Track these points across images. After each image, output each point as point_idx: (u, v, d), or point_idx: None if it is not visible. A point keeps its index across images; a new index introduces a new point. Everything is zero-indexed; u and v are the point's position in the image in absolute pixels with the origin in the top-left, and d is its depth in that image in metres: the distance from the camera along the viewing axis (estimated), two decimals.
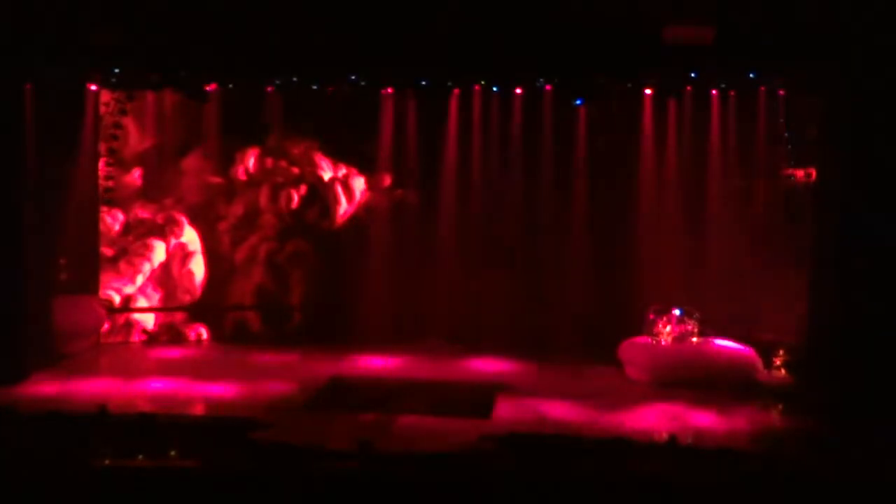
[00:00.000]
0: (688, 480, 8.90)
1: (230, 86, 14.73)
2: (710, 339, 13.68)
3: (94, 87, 14.80)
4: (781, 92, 13.66)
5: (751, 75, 12.67)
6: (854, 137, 11.01)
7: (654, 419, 11.38)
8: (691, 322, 13.73)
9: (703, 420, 11.27)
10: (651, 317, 13.88)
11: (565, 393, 12.43)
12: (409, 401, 11.93)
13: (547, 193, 15.25)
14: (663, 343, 13.67)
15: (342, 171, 16.28)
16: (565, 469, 9.37)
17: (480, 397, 12.21)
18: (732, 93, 14.00)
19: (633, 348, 13.87)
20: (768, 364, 13.41)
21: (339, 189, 16.16)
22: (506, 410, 11.57)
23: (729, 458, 9.54)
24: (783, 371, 13.35)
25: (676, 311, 13.80)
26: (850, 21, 10.39)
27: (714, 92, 14.12)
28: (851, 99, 11.13)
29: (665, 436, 10.18)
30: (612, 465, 9.50)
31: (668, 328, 13.74)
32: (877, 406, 10.62)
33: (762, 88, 13.65)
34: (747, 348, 13.55)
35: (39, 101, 13.16)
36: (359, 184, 16.24)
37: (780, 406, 12.23)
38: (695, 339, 13.64)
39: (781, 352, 13.45)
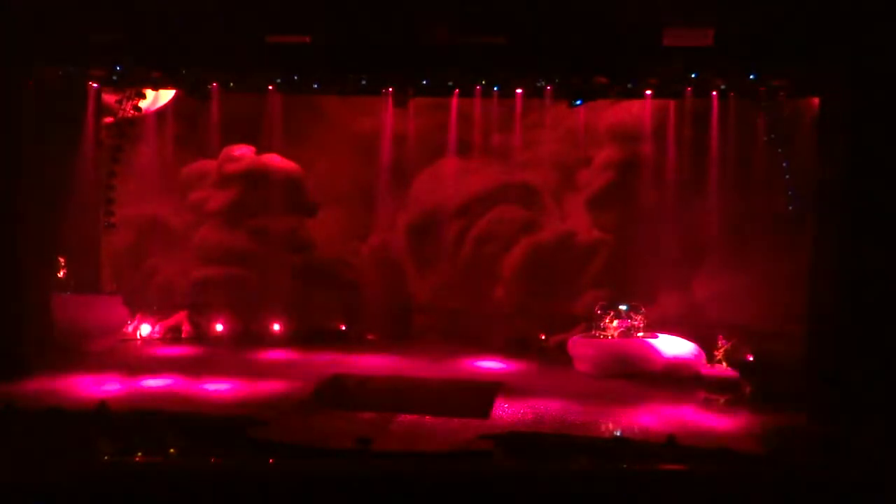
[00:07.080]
0: (684, 478, 9.19)
1: (231, 84, 14.32)
2: (655, 334, 14.21)
3: (95, 85, 14.43)
4: (781, 93, 13.89)
5: (751, 77, 12.89)
6: (854, 136, 11.48)
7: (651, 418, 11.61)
8: (637, 317, 14.19)
9: (699, 419, 11.62)
10: (598, 312, 14.27)
11: (562, 391, 12.54)
12: (408, 400, 11.75)
13: None
14: (609, 338, 14.09)
15: None
16: (563, 467, 9.47)
17: (480, 397, 12.10)
18: (732, 94, 14.16)
19: (580, 343, 14.22)
20: (711, 357, 14.04)
21: None
22: (504, 410, 11.52)
23: (726, 457, 9.88)
24: (725, 364, 14.01)
25: (622, 307, 14.24)
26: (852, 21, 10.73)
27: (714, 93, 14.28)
28: (852, 98, 11.56)
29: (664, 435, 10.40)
30: (610, 463, 9.68)
31: (615, 323, 14.16)
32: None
33: (762, 89, 13.80)
34: (691, 342, 14.16)
35: (40, 99, 12.81)
36: None
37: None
38: (640, 334, 14.13)
39: (724, 345, 14.07)
